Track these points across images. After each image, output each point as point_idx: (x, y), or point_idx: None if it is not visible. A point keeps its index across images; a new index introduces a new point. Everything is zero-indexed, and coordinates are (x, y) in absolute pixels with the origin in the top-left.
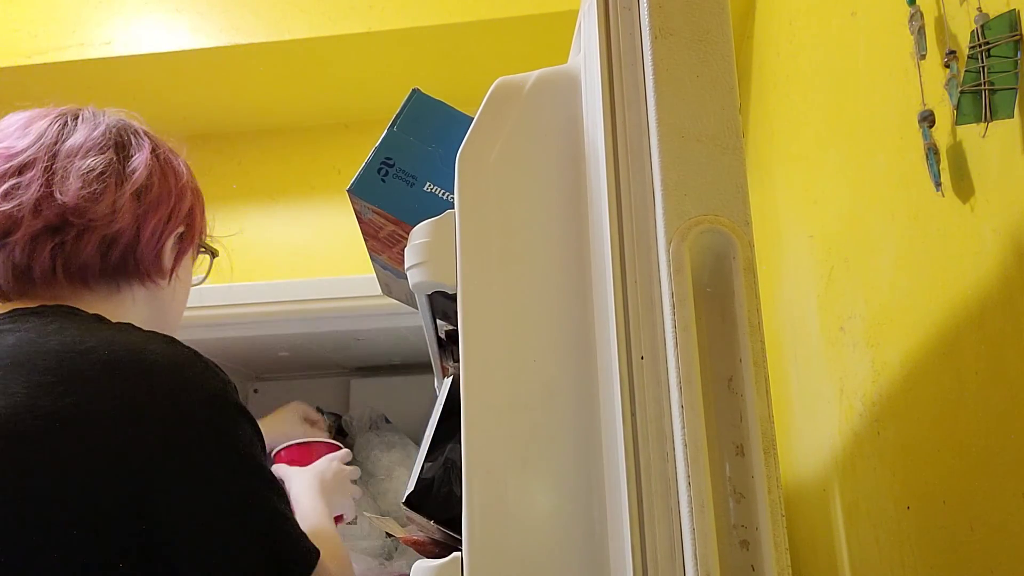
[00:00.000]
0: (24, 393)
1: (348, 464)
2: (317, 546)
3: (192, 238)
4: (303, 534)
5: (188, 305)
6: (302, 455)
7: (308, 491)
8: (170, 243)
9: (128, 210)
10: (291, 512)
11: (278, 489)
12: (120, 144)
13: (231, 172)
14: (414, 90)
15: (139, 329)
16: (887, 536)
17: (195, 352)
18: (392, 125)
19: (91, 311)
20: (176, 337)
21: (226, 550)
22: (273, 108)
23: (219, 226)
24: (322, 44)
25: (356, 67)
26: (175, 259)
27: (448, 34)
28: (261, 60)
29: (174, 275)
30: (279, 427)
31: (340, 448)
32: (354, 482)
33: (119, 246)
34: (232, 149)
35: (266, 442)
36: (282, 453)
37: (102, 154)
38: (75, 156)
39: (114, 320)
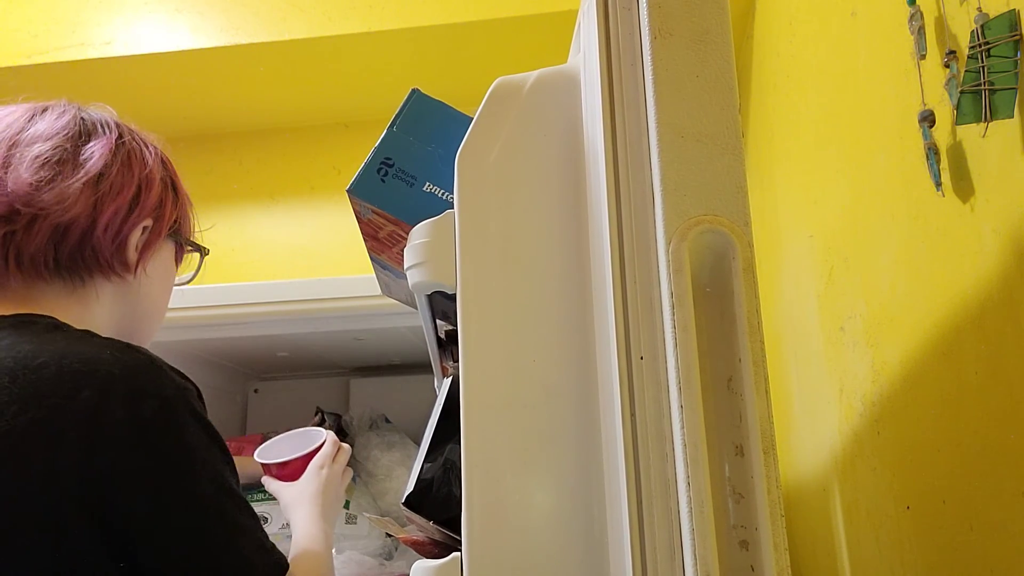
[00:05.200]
0: None
1: (338, 453)
2: (296, 562)
3: (160, 231)
4: (267, 545)
5: (188, 305)
6: (292, 471)
7: (297, 507)
8: (135, 235)
9: (82, 199)
10: (253, 521)
11: (237, 498)
12: (80, 133)
13: (231, 172)
14: (414, 90)
15: (96, 336)
16: (887, 536)
17: (150, 357)
18: (392, 125)
19: (53, 309)
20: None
21: (187, 557)
22: (273, 108)
23: (220, 226)
24: (322, 44)
25: (356, 67)
26: (141, 252)
27: (448, 34)
28: (261, 60)
29: (140, 269)
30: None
31: (319, 446)
32: (350, 471)
33: (73, 236)
34: (232, 149)
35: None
36: (272, 468)
37: (56, 142)
38: (30, 144)
39: (79, 322)
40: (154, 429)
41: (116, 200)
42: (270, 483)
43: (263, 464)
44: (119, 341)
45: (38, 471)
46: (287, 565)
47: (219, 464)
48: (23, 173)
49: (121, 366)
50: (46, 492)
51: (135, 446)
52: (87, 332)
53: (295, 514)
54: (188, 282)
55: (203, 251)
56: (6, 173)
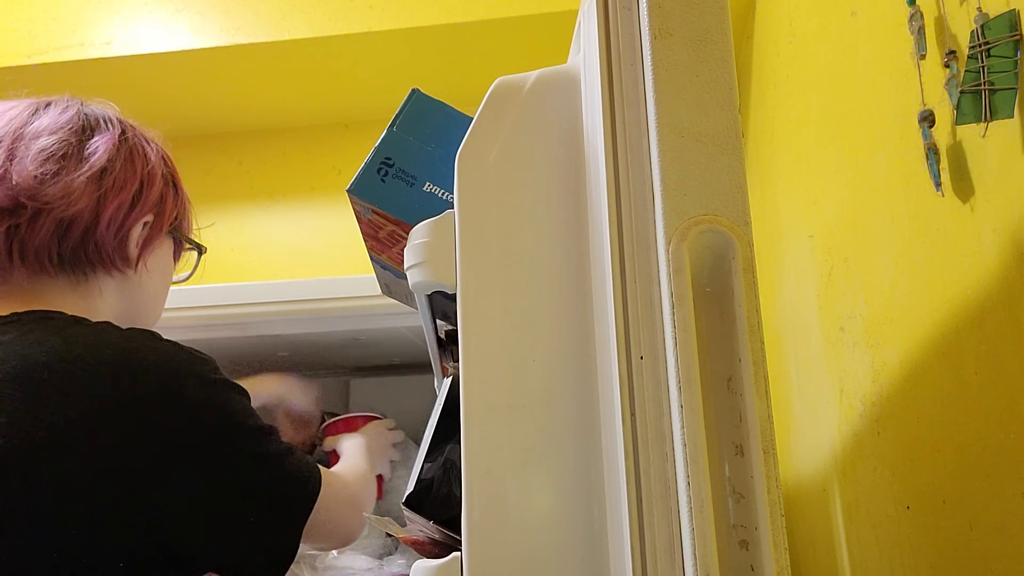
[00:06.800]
0: (24, 408)
1: (392, 429)
2: (340, 471)
3: (161, 227)
4: (305, 457)
5: (188, 305)
6: (348, 426)
7: (355, 450)
8: (136, 230)
9: (86, 193)
10: (289, 445)
11: (270, 431)
12: (84, 127)
13: (232, 172)
14: (414, 90)
15: (118, 328)
16: (887, 536)
17: (175, 342)
18: (392, 125)
19: (59, 304)
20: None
21: (250, 506)
22: (273, 108)
23: (220, 226)
24: (322, 44)
25: (356, 67)
26: (142, 247)
27: (448, 34)
28: (261, 60)
29: (141, 264)
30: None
31: (381, 419)
32: (396, 452)
33: (76, 230)
34: (232, 149)
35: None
36: (330, 427)
37: (60, 136)
38: (35, 138)
39: (88, 315)
40: (196, 406)
41: (119, 195)
42: (329, 440)
43: (325, 426)
44: (143, 329)
45: (85, 462)
46: (318, 467)
47: (251, 413)
48: (28, 166)
49: (153, 353)
50: (94, 481)
51: (181, 425)
52: (108, 323)
53: (350, 452)
54: (185, 280)
55: (201, 249)
56: (11, 166)
